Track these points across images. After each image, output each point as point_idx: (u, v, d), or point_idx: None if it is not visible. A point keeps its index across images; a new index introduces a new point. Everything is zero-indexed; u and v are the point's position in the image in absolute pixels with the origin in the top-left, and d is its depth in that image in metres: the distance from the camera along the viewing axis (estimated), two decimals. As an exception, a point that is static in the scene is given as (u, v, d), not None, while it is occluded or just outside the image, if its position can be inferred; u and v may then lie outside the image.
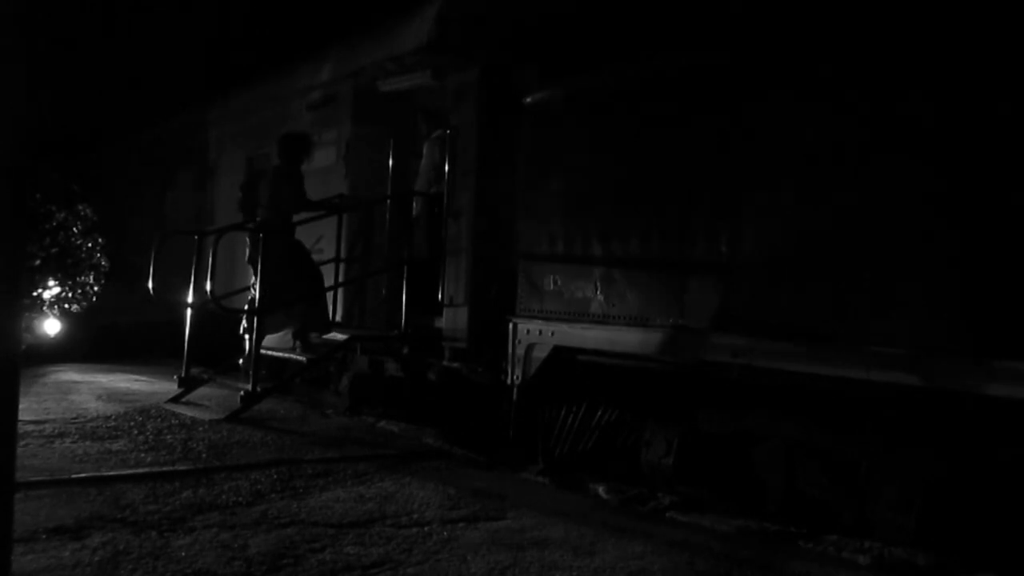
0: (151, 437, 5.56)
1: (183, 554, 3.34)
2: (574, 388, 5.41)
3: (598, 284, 5.05)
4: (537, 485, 4.87)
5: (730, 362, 4.28)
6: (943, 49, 3.64)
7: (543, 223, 5.46)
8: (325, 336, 7.25)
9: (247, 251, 7.10)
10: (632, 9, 5.11)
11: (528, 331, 5.49)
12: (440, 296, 6.57)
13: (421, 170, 7.33)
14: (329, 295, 7.40)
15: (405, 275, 6.83)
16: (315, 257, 7.80)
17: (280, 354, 7.38)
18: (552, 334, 5.33)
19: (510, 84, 5.97)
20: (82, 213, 9.28)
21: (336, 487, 4.50)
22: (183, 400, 6.86)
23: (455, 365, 6.39)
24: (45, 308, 9.15)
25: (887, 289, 3.73)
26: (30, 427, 5.60)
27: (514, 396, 5.59)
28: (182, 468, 4.76)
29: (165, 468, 4.73)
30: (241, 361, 7.16)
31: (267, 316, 6.80)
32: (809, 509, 4.24)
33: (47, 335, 9.22)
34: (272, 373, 7.48)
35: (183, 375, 6.93)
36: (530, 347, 5.46)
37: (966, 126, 3.53)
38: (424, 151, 7.34)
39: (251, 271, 7.13)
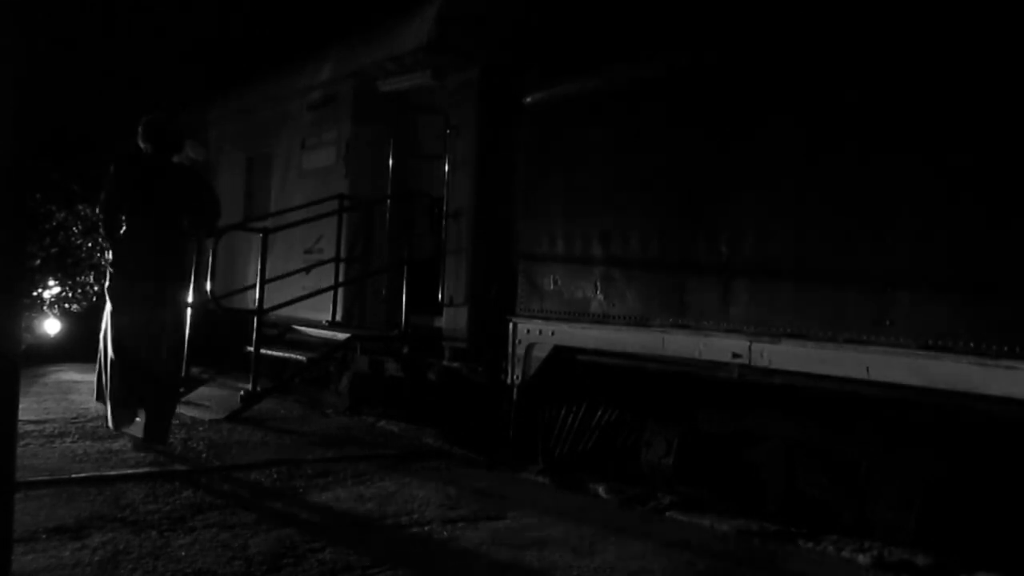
0: (151, 437, 5.56)
1: (183, 554, 3.34)
2: (574, 388, 5.41)
3: (598, 284, 5.05)
4: (537, 485, 4.86)
5: (730, 362, 4.28)
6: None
7: (543, 223, 5.46)
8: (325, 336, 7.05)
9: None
10: (630, 9, 5.11)
11: (528, 331, 5.49)
12: (440, 296, 6.58)
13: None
14: (329, 295, 7.40)
15: (405, 275, 6.83)
16: (315, 257, 7.80)
17: (280, 354, 7.39)
18: (552, 334, 5.33)
19: (510, 84, 5.97)
20: (82, 213, 9.29)
21: (336, 487, 4.50)
22: (183, 400, 6.84)
23: (455, 365, 6.39)
24: (45, 308, 9.17)
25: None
26: (30, 427, 5.61)
27: (514, 396, 5.58)
28: (182, 468, 4.77)
29: (165, 468, 4.74)
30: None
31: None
32: (809, 509, 4.23)
33: (47, 335, 9.23)
34: (272, 373, 7.48)
35: (183, 375, 6.93)
36: (530, 347, 5.46)
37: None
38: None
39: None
